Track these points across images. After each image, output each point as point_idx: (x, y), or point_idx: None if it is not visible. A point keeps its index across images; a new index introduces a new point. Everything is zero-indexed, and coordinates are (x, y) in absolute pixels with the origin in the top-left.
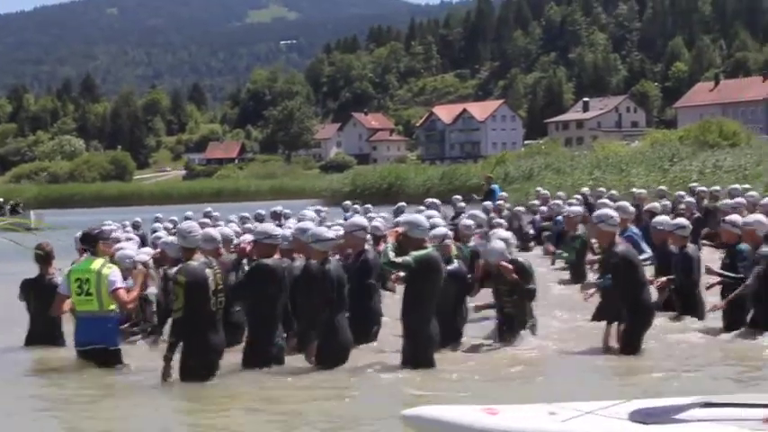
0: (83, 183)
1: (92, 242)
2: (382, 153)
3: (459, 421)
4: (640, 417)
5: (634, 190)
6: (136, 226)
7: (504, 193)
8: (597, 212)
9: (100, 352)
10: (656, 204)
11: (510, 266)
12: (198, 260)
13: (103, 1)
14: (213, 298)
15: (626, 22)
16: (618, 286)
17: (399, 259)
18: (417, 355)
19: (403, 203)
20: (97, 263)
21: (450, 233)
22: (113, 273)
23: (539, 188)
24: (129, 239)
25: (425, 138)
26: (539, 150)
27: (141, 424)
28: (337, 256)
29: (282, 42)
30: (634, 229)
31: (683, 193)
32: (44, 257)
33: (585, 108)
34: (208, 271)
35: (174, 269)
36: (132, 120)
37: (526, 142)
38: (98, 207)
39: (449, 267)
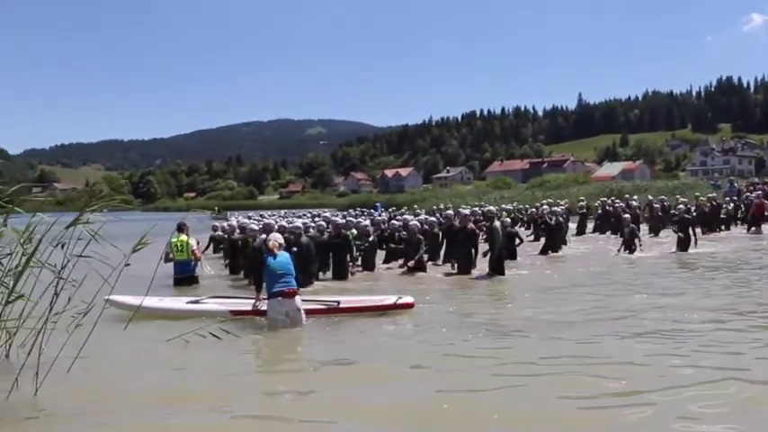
0: (241, 200)
1: (182, 228)
2: (364, 190)
3: (125, 301)
4: (190, 301)
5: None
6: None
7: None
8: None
9: (189, 277)
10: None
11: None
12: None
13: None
14: None
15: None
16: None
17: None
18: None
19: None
20: (184, 237)
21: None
22: (192, 242)
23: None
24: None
25: (382, 185)
26: (427, 189)
27: None
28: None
29: (321, 142)
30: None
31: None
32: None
33: (448, 171)
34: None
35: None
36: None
37: (423, 186)
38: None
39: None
